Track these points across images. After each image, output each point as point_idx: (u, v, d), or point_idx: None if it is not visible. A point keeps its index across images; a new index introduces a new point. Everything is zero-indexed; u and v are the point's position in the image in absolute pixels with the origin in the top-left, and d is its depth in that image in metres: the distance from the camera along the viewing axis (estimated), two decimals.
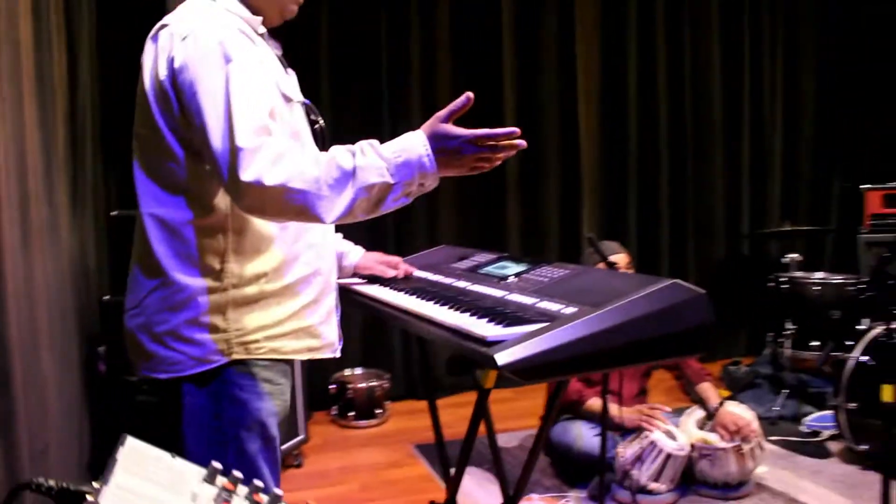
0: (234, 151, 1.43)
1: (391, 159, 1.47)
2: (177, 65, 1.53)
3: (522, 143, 1.54)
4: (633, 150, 5.38)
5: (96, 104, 3.71)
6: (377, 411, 4.50)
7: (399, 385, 4.87)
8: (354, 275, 2.28)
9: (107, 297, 3.58)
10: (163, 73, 1.55)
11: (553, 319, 1.57)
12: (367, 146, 1.48)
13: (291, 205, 1.44)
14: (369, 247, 2.28)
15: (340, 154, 1.47)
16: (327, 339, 1.77)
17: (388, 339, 4.93)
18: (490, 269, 2.24)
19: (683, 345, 1.62)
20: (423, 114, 4.76)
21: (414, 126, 1.53)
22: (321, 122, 1.77)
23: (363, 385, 4.47)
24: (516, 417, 4.34)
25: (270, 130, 1.47)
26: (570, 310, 1.61)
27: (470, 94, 1.51)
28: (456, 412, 3.86)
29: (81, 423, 3.17)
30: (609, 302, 1.57)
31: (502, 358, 1.43)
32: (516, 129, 1.52)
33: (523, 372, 1.46)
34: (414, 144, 1.49)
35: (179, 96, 1.54)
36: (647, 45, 5.36)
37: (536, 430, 3.95)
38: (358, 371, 4.78)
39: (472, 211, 5.06)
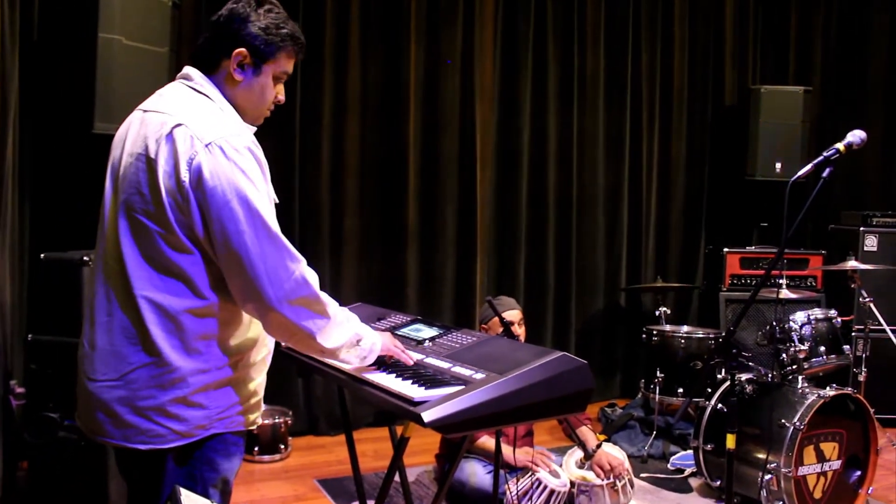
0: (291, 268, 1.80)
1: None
2: (205, 172, 1.72)
3: None
4: (523, 210, 5.76)
5: (16, 142, 3.81)
6: (281, 447, 4.73)
7: (301, 421, 5.12)
8: None
9: (30, 336, 3.73)
10: (184, 175, 1.72)
11: (466, 383, 1.93)
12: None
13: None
14: None
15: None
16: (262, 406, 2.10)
17: (291, 377, 5.16)
18: (406, 330, 2.59)
19: (568, 405, 2.01)
20: (332, 166, 5.12)
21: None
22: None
23: (268, 421, 4.68)
24: (410, 455, 4.63)
25: None
26: (480, 375, 1.97)
27: None
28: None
29: None
30: (511, 370, 1.93)
31: (428, 416, 1.78)
32: None
33: (443, 427, 1.81)
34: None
35: (203, 200, 1.73)
36: (540, 114, 5.77)
37: (431, 467, 4.32)
38: (263, 408, 4.99)
39: (373, 261, 5.34)
